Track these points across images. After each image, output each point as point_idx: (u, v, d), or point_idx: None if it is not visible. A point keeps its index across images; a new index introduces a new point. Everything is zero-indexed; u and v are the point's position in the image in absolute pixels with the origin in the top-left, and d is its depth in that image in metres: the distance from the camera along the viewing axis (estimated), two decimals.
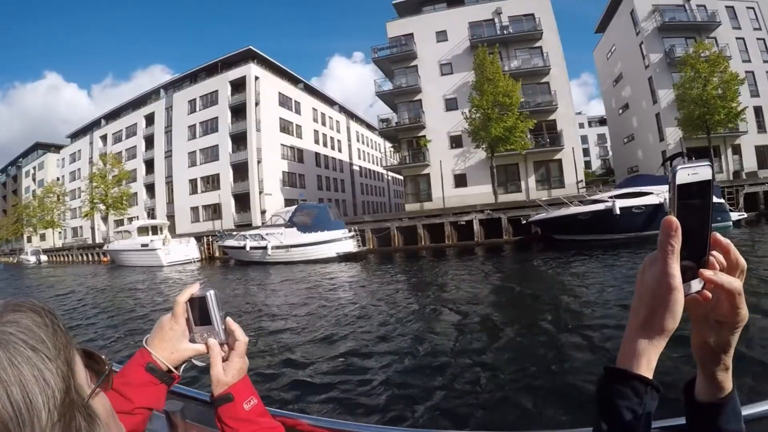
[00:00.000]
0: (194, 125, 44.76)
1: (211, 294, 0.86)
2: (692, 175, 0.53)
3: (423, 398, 4.33)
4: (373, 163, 70.83)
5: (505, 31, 32.87)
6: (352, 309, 9.05)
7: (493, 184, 29.32)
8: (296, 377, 5.17)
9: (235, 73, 42.59)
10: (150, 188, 49.17)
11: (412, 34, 34.92)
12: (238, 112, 42.29)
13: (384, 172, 71.78)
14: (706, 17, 32.01)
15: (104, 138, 55.40)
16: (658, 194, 16.91)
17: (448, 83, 34.10)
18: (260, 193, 40.07)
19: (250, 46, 43.49)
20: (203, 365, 0.90)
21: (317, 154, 51.05)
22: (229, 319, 0.89)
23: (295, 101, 48.27)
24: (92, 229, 55.04)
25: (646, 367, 0.54)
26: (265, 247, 22.54)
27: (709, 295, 0.55)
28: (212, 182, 42.89)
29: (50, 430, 0.36)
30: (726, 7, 32.47)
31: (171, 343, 0.87)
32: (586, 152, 65.90)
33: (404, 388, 4.62)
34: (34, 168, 69.46)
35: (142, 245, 29.01)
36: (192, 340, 0.89)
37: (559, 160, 31.48)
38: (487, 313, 7.97)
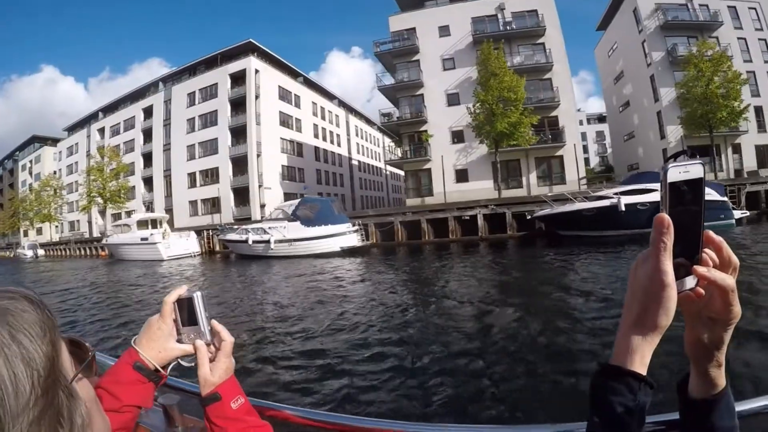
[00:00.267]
0: (193, 118, 44.47)
1: (197, 295, 0.89)
2: (684, 174, 0.53)
3: (420, 391, 4.33)
4: (372, 157, 70.76)
5: (508, 27, 32.79)
6: (359, 304, 8.98)
7: (496, 180, 29.40)
8: (297, 371, 5.16)
9: (235, 66, 42.30)
10: (148, 182, 48.83)
11: (414, 29, 34.80)
12: (238, 105, 42.06)
13: (382, 167, 71.80)
14: (709, 17, 32.12)
15: (102, 131, 54.99)
16: None
17: (451, 78, 34.02)
18: (260, 187, 39.92)
19: (251, 39, 43.20)
20: (190, 366, 0.92)
21: (316, 149, 50.92)
22: (214, 321, 0.92)
23: (295, 95, 48.07)
24: (89, 223, 54.60)
25: (640, 364, 0.54)
26: (267, 241, 22.42)
27: (702, 292, 0.55)
28: (211, 176, 42.65)
29: (33, 403, 0.39)
30: (728, 6, 32.59)
31: (158, 343, 0.90)
32: (584, 149, 65.96)
33: (400, 381, 4.63)
34: (31, 161, 68.91)
35: (142, 239, 28.77)
36: (179, 341, 0.91)
37: (561, 157, 31.54)
38: (489, 308, 7.94)
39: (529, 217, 21.15)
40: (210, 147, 43.05)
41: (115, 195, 41.99)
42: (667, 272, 0.52)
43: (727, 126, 28.15)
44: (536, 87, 31.54)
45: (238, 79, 42.32)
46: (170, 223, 33.73)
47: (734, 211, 19.34)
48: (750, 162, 30.98)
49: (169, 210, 42.96)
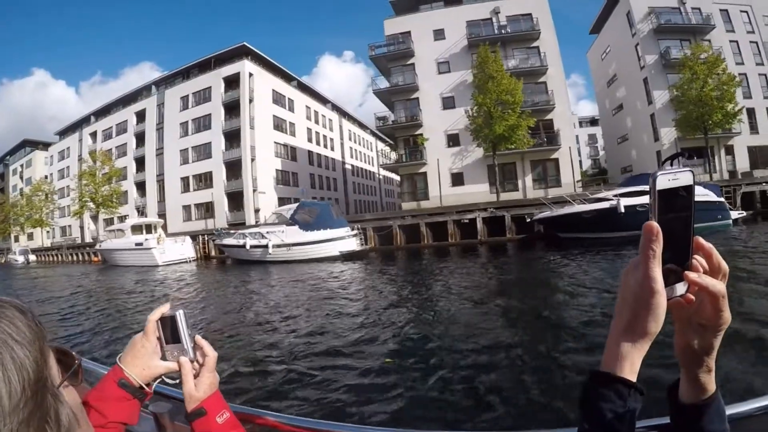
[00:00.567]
0: (186, 122, 44.19)
1: (180, 313, 0.91)
2: (673, 181, 0.53)
3: (413, 397, 4.30)
4: (365, 162, 70.72)
5: (503, 31, 32.96)
6: (359, 311, 8.87)
7: (495, 183, 29.43)
8: (298, 378, 5.08)
9: (228, 70, 42.14)
10: (141, 186, 48.39)
11: (409, 32, 34.85)
12: (232, 109, 41.87)
13: (375, 171, 71.83)
14: (701, 20, 32.45)
15: (94, 135, 54.44)
16: None
17: (446, 81, 34.08)
18: (254, 191, 39.67)
19: (245, 43, 43.06)
20: (174, 382, 0.95)
21: (310, 153, 50.79)
22: (198, 336, 0.94)
23: (289, 99, 47.95)
24: (81, 228, 54.02)
25: (630, 370, 0.55)
26: (265, 246, 22.20)
27: (693, 298, 0.55)
28: (205, 180, 42.37)
29: (24, 404, 0.42)
30: (720, 10, 32.98)
31: (143, 360, 0.91)
32: (576, 152, 66.43)
33: (393, 387, 4.58)
34: (22, 166, 68.06)
35: (137, 244, 28.40)
36: (163, 358, 0.92)
37: (556, 160, 31.66)
38: (487, 313, 7.87)
39: (528, 219, 21.19)
40: (203, 151, 42.76)
41: (107, 200, 41.57)
42: (657, 279, 0.53)
43: (721, 128, 28.42)
44: (531, 90, 31.61)
45: (232, 82, 42.14)
46: (163, 228, 33.33)
47: (731, 212, 19.54)
48: (743, 163, 31.29)
49: (162, 215, 42.54)
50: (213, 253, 30.08)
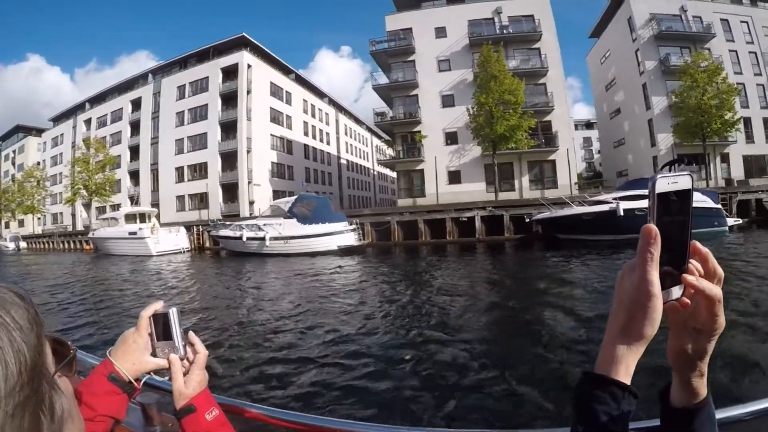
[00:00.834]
0: (182, 112, 43.77)
1: (173, 311, 0.92)
2: (672, 184, 0.53)
3: (407, 394, 4.30)
4: (361, 157, 70.58)
5: (504, 31, 32.96)
6: (357, 306, 8.81)
7: (494, 182, 29.48)
8: (287, 372, 5.07)
9: (227, 60, 41.79)
10: (134, 175, 47.86)
11: (410, 29, 34.73)
12: (229, 100, 41.54)
13: (370, 166, 71.73)
14: (702, 28, 32.72)
15: (88, 122, 53.76)
16: None
17: (446, 80, 34.06)
18: (249, 183, 39.41)
19: (244, 33, 42.68)
20: (163, 379, 0.98)
21: (306, 146, 50.62)
22: (191, 332, 0.94)
23: (286, 91, 47.69)
24: (73, 215, 53.41)
25: (625, 373, 0.55)
26: (262, 238, 22.05)
27: (688, 302, 0.55)
28: (200, 171, 42.02)
29: (20, 388, 0.42)
30: (721, 19, 33.27)
31: (133, 356, 0.92)
32: None
33: (387, 383, 4.60)
34: (14, 151, 67.17)
35: (130, 233, 28.07)
36: (154, 354, 0.93)
37: (553, 161, 31.82)
38: (483, 310, 7.91)
39: (528, 220, 21.23)
40: (199, 141, 42.40)
41: (100, 188, 41.13)
42: (654, 282, 0.52)
43: (719, 136, 28.69)
44: (531, 91, 31.61)
45: (230, 73, 41.79)
46: (157, 217, 33.00)
47: (727, 219, 19.75)
48: (737, 171, 31.64)
49: (155, 204, 42.08)
50: (207, 245, 29.87)
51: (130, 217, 29.82)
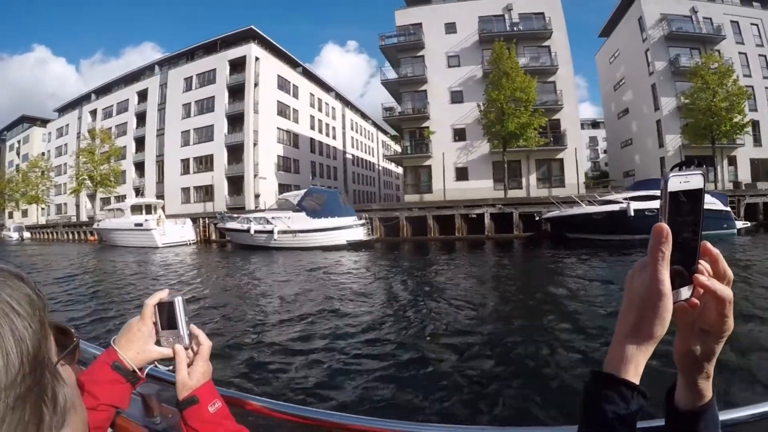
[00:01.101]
0: (189, 104, 43.66)
1: (178, 300, 0.91)
2: (684, 183, 0.53)
3: (411, 390, 4.30)
4: (366, 152, 70.48)
5: (515, 28, 32.79)
6: (371, 302, 8.76)
7: (503, 180, 29.50)
8: (295, 366, 5.05)
9: (235, 53, 41.66)
10: (139, 166, 47.85)
11: (420, 24, 34.60)
12: (236, 92, 41.44)
13: (375, 162, 71.62)
14: (712, 30, 32.57)
15: (94, 113, 53.65)
16: None
17: (455, 76, 33.94)
18: (255, 176, 39.37)
19: (252, 26, 42.57)
20: (167, 369, 0.97)
21: (312, 140, 50.59)
22: (193, 326, 0.93)
23: (294, 85, 47.59)
24: (77, 206, 53.39)
25: (634, 373, 0.54)
26: (270, 231, 22.01)
27: (697, 302, 0.55)
28: (205, 163, 41.95)
29: (21, 379, 0.39)
30: (731, 21, 33.14)
31: (138, 344, 0.91)
32: None
33: (392, 379, 4.59)
34: (19, 141, 67.19)
35: (136, 224, 28.07)
36: (158, 343, 0.93)
37: (561, 160, 31.74)
38: (491, 308, 7.89)
39: (537, 218, 21.23)
40: (205, 134, 42.29)
41: (105, 178, 41.10)
42: (664, 282, 0.52)
43: (728, 138, 28.63)
44: (540, 89, 31.47)
45: (238, 65, 41.68)
46: (162, 209, 32.99)
47: (737, 222, 19.79)
48: (744, 174, 31.53)
49: (160, 196, 41.98)
50: (213, 237, 29.89)
51: (135, 209, 29.76)
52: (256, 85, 40.66)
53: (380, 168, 74.58)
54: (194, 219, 30.75)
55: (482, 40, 32.75)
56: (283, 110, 44.82)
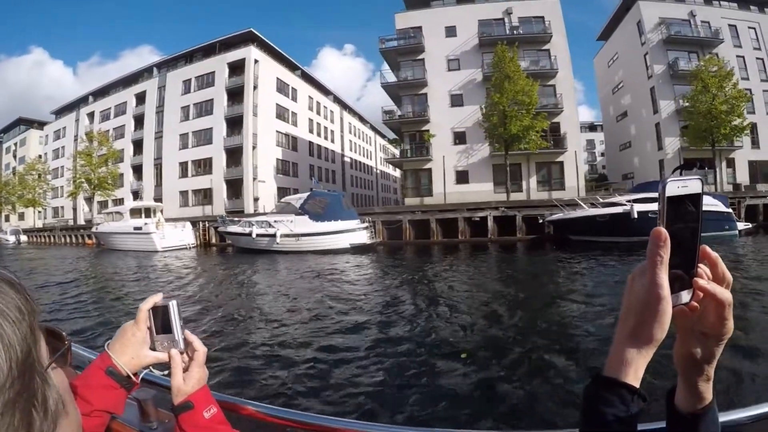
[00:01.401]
0: (188, 106, 43.46)
1: (173, 304, 0.91)
2: (682, 188, 0.53)
3: (412, 394, 4.26)
4: (364, 156, 70.45)
5: (515, 32, 32.93)
6: (375, 306, 8.70)
7: (505, 183, 29.60)
8: (297, 372, 4.99)
9: (234, 55, 41.57)
10: (137, 170, 47.50)
11: (420, 27, 34.68)
12: (235, 95, 41.33)
13: (374, 165, 71.57)
14: (710, 34, 32.88)
15: (91, 115, 53.25)
16: None
17: (455, 79, 34.02)
18: (254, 179, 39.22)
19: (251, 29, 42.55)
20: (162, 374, 0.97)
21: (311, 143, 50.51)
22: (187, 331, 0.93)
23: (293, 88, 47.54)
24: (74, 209, 53.05)
25: (634, 376, 0.55)
26: (273, 235, 21.91)
27: (697, 306, 0.55)
28: (204, 166, 41.76)
29: (9, 384, 0.39)
30: (729, 25, 33.44)
31: (132, 349, 0.91)
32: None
33: (393, 383, 4.57)
34: (16, 144, 66.55)
35: (135, 228, 27.82)
36: (152, 348, 0.92)
37: (561, 163, 31.85)
38: (495, 312, 7.84)
39: (541, 221, 21.26)
40: (204, 136, 42.11)
41: (103, 181, 40.80)
42: (664, 286, 0.52)
43: (728, 141, 28.83)
44: (540, 93, 31.59)
45: (236, 68, 41.55)
46: (161, 212, 32.77)
47: (738, 223, 19.87)
48: (743, 176, 31.79)
49: (158, 199, 41.50)
50: (213, 241, 29.72)
51: (135, 212, 29.49)
52: (255, 87, 40.58)
53: (378, 171, 74.55)
54: (194, 222, 30.54)
55: (482, 44, 32.88)
56: (282, 113, 44.73)
